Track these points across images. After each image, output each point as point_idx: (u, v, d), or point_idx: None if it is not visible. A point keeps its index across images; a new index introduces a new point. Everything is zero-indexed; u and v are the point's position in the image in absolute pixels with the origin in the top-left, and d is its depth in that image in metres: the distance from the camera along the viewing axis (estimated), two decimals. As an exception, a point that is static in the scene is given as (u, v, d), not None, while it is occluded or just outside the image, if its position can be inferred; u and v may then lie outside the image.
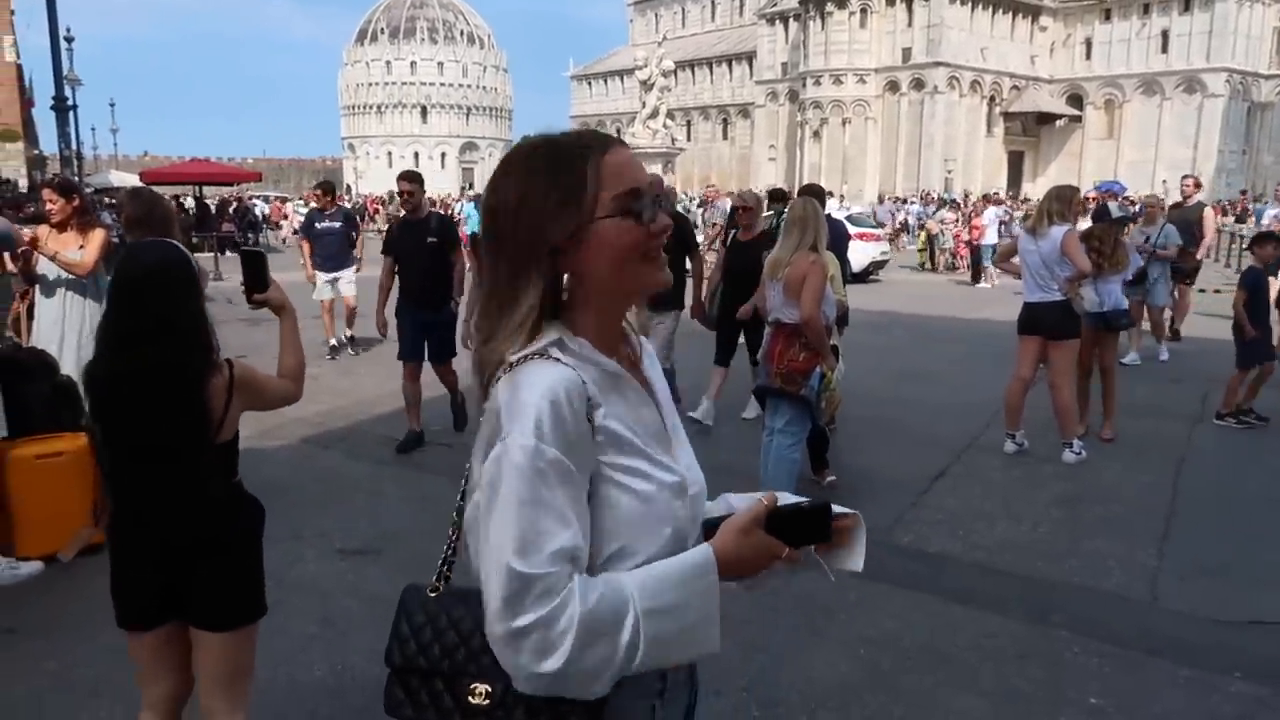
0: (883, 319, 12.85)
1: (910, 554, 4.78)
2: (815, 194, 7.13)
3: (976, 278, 19.34)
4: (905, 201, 37.70)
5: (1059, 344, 6.16)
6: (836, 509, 1.30)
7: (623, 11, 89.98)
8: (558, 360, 1.18)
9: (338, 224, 10.21)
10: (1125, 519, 5.23)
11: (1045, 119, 62.68)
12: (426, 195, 6.98)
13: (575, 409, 1.16)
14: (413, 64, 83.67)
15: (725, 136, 75.53)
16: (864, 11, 59.14)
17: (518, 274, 1.21)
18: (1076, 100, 61.96)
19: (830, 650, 3.70)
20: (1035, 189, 55.79)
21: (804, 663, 3.61)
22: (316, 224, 10.15)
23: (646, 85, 23.63)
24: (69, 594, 4.09)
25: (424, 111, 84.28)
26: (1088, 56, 61.33)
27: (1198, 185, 10.81)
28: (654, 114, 23.20)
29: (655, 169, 22.91)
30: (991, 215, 19.61)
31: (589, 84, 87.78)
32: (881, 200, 37.91)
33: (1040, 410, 6.64)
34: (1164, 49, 57.49)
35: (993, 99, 61.13)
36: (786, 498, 1.32)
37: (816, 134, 61.80)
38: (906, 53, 58.89)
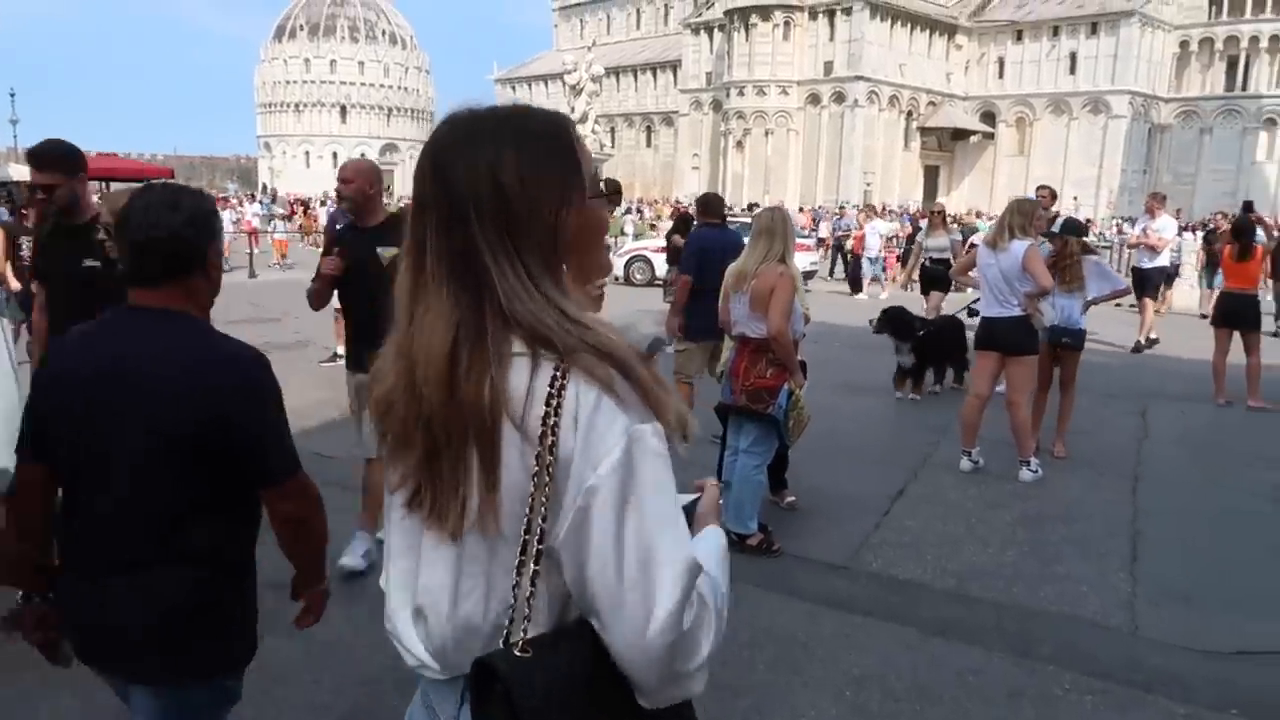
0: (820, 330, 12.71)
1: (881, 581, 4.57)
2: (712, 205, 6.90)
3: (856, 288, 19.42)
4: (832, 214, 37.98)
5: (1017, 360, 6.05)
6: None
7: (547, 16, 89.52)
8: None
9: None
10: (1091, 540, 5.12)
11: (960, 135, 64.39)
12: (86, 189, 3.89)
13: None
14: (332, 63, 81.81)
15: (649, 144, 75.63)
16: (787, 24, 60.01)
17: (544, 259, 1.08)
18: (990, 117, 63.84)
19: (814, 692, 3.44)
20: (950, 203, 57.25)
21: (789, 707, 3.34)
22: (338, 225, 9.12)
23: (575, 90, 23.34)
24: None
25: (343, 111, 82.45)
26: (1000, 75, 63.27)
27: (1054, 196, 10.03)
28: (583, 119, 22.95)
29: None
30: (878, 226, 20.08)
31: (513, 88, 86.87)
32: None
33: (991, 426, 6.52)
34: (1072, 70, 59.65)
35: (910, 114, 62.58)
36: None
37: (739, 144, 62.33)
38: (828, 66, 59.91)
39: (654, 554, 1.01)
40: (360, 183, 4.23)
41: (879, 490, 5.91)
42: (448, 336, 1.05)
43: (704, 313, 6.04)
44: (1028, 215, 5.89)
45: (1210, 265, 16.81)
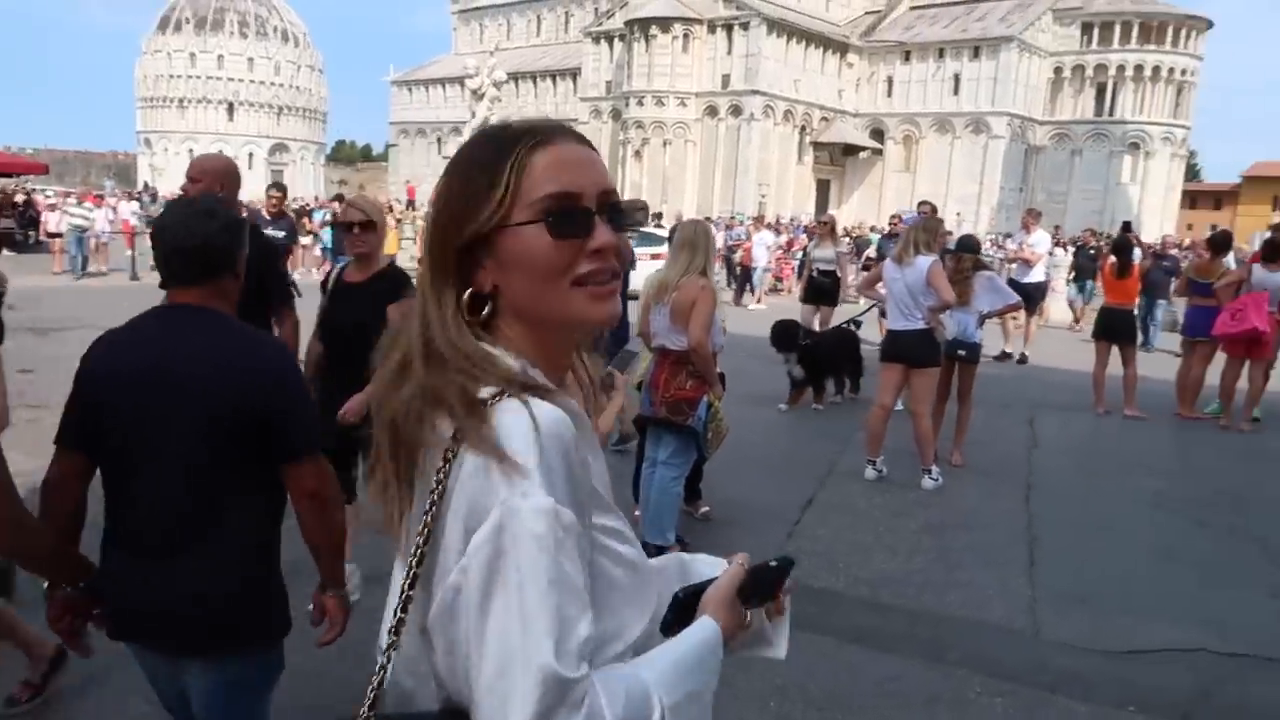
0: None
1: (797, 590, 4.65)
2: None
3: (741, 297, 19.90)
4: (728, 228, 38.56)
5: (920, 372, 6.27)
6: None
7: (446, 20, 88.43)
8: (538, 394, 0.96)
9: (281, 234, 8.54)
10: (992, 546, 5.34)
11: (851, 150, 66.31)
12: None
13: (580, 458, 0.96)
14: (220, 58, 78.68)
15: (548, 151, 75.33)
16: (686, 37, 60.76)
17: (440, 284, 1.01)
18: (879, 134, 65.98)
19: (740, 704, 3.48)
20: (841, 216, 59.03)
21: (716, 717, 3.36)
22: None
23: (477, 95, 23.04)
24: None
25: (231, 109, 79.39)
26: (889, 94, 65.48)
27: (935, 211, 10.12)
28: (484, 124, 22.63)
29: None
30: (764, 237, 20.69)
31: (410, 90, 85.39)
32: None
33: (889, 435, 6.69)
34: (956, 91, 62.18)
35: (804, 128, 64.13)
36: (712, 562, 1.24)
37: (638, 153, 62.74)
38: (726, 79, 60.90)
39: (514, 655, 0.86)
40: (208, 182, 3.68)
41: (789, 500, 6.02)
42: (397, 354, 1.02)
43: None
44: (932, 233, 6.13)
45: (1079, 277, 17.96)
